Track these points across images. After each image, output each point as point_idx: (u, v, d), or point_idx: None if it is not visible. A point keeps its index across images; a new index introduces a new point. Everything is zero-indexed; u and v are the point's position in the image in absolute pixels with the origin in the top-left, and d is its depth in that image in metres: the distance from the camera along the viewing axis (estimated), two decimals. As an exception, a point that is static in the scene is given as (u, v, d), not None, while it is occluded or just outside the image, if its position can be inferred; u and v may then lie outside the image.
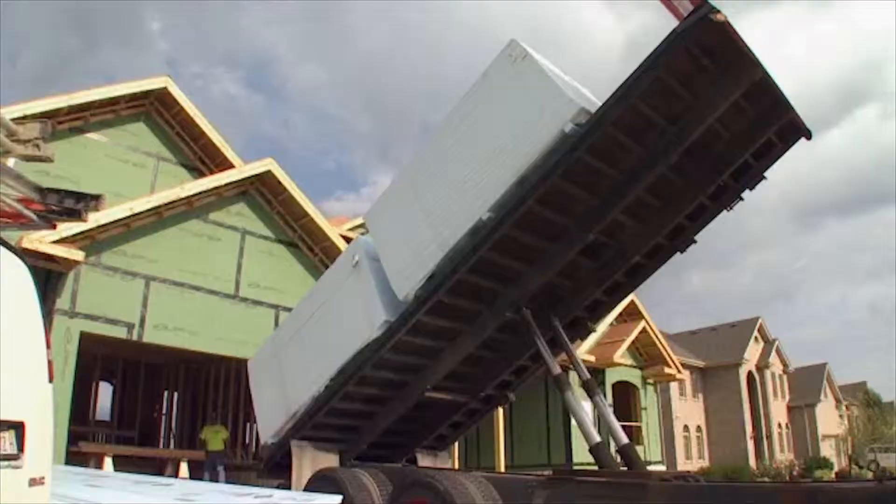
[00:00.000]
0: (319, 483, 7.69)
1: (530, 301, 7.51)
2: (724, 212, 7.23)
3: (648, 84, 5.89)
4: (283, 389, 9.08)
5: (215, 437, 15.09)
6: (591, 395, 7.73)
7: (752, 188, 7.02)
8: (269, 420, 9.34)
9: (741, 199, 7.13)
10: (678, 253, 7.61)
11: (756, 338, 46.14)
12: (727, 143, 6.66)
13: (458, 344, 7.87)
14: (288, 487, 8.22)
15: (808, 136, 6.58)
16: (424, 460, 9.43)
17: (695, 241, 7.53)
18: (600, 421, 9.01)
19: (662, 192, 6.97)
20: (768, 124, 6.48)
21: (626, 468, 7.11)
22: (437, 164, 7.45)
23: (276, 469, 9.14)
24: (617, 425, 7.59)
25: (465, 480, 6.47)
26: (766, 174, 6.95)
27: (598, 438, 6.91)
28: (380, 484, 7.51)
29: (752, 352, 45.44)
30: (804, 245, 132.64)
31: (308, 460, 8.45)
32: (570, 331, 8.23)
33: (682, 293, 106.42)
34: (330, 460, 8.56)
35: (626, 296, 8.38)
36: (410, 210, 7.62)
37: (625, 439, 7.25)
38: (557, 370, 7.42)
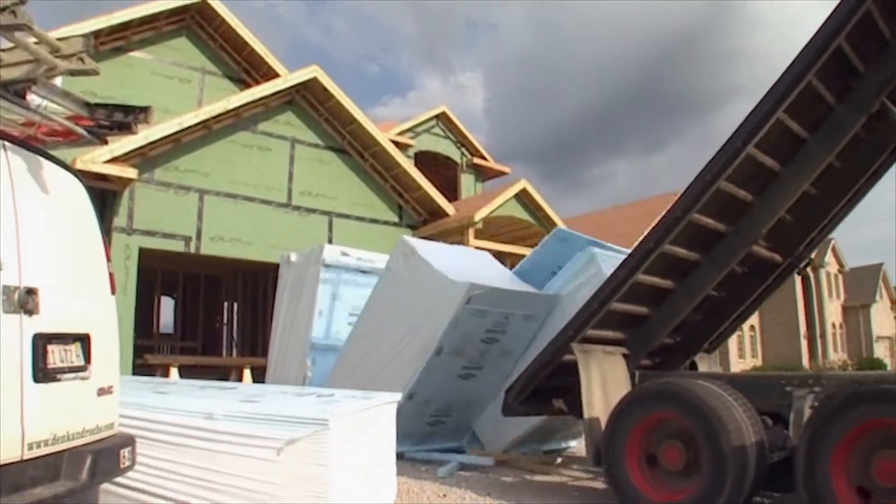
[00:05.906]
0: (650, 399, 5.55)
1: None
2: None
3: None
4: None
5: None
6: None
7: None
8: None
9: None
10: None
11: (812, 236, 44.96)
12: None
13: (801, 166, 5.84)
14: (576, 402, 6.21)
15: None
16: (702, 365, 7.57)
17: None
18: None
19: None
20: None
21: None
22: (367, 348, 8.33)
23: (531, 399, 6.91)
24: None
25: None
26: None
27: None
28: (736, 399, 5.17)
29: (808, 250, 44.37)
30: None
31: (595, 368, 6.32)
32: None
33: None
34: (617, 367, 6.50)
35: None
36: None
37: None
38: None
